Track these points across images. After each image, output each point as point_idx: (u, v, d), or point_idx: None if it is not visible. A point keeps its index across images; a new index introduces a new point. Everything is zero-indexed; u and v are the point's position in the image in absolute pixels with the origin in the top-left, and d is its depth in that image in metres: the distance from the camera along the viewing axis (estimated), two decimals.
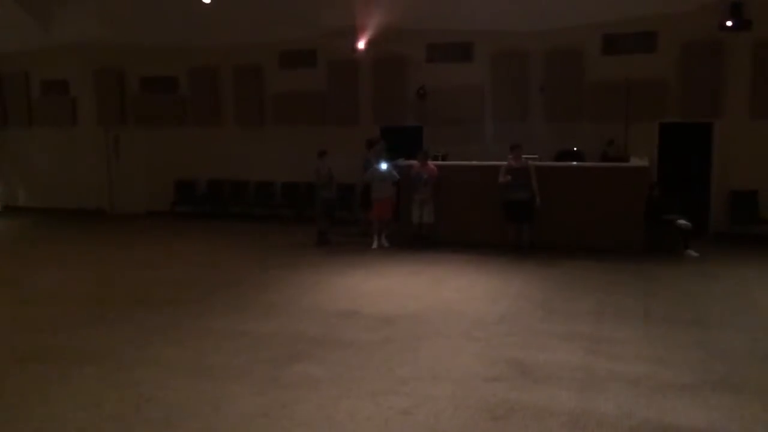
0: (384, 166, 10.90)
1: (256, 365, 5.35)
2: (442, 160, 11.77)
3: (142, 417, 4.40)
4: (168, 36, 14.74)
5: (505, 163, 10.28)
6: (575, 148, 12.02)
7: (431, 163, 10.98)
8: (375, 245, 10.87)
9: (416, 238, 10.91)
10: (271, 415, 4.39)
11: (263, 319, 6.75)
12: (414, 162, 11.03)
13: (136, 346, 5.86)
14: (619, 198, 10.27)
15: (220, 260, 10.10)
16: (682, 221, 10.10)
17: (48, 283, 8.60)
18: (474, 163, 11.25)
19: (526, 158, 10.34)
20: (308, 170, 11.75)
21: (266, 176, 14.71)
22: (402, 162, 11.32)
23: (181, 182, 15.50)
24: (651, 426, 4.19)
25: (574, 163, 11.33)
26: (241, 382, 4.97)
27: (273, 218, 14.22)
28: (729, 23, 11.42)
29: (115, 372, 5.22)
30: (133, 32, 14.93)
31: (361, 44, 13.73)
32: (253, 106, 15.02)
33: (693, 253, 9.95)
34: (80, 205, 16.19)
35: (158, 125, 15.62)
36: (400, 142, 12.76)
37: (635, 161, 10.75)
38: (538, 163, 10.53)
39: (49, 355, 5.67)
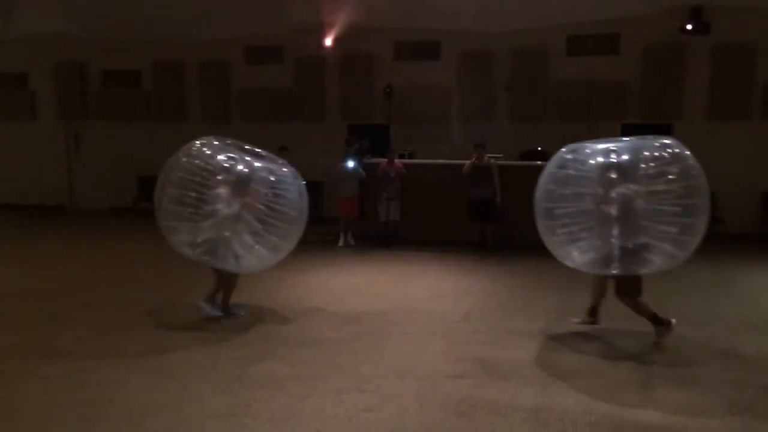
0: (351, 164, 10.90)
1: (220, 364, 5.31)
2: (409, 158, 11.82)
3: (103, 417, 4.33)
4: (132, 29, 14.51)
5: (468, 162, 10.37)
6: (539, 148, 12.17)
7: (398, 161, 11.02)
8: (341, 243, 10.87)
9: (382, 236, 10.93)
10: (235, 414, 4.36)
11: (227, 317, 6.69)
12: (381, 160, 11.06)
13: (97, 346, 5.76)
14: None
15: (183, 258, 9.96)
16: None
17: (6, 280, 8.40)
18: (440, 161, 11.32)
19: (490, 157, 10.44)
20: None
21: None
22: (369, 160, 11.33)
23: (144, 178, 15.25)
24: (610, 421, 4.28)
25: (539, 162, 11.45)
26: (205, 381, 4.92)
27: None
28: (689, 26, 11.71)
29: (75, 372, 5.12)
30: (96, 25, 14.66)
31: (328, 41, 13.70)
32: (218, 101, 14.88)
33: None
34: (40, 202, 15.84)
35: (121, 120, 15.37)
36: (368, 139, 12.75)
37: None
38: (502, 162, 10.64)
39: (8, 354, 5.54)
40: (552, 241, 5.91)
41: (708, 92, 12.17)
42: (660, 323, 5.84)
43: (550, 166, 5.98)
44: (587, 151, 5.85)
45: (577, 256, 5.82)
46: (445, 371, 5.18)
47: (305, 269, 8.98)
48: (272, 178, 6.46)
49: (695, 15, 11.72)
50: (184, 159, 6.40)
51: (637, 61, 12.42)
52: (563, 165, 5.89)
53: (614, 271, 5.65)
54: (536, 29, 12.69)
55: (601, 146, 5.78)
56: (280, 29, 13.86)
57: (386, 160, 10.93)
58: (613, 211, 5.46)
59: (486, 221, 10.38)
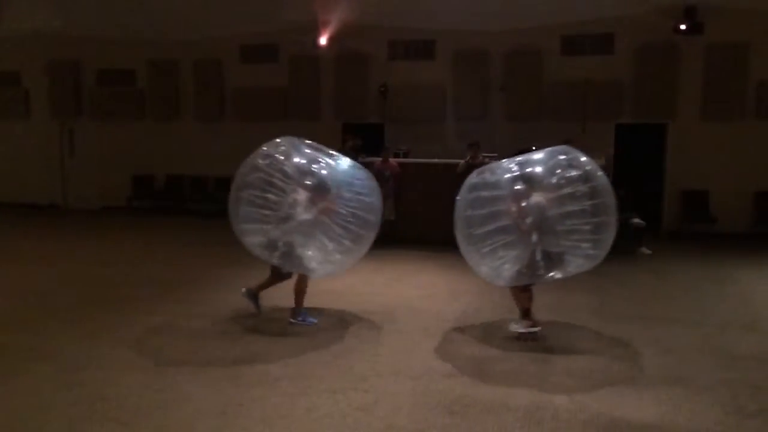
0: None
1: (212, 363, 5.30)
2: (404, 157, 11.82)
3: (95, 417, 4.32)
4: (126, 27, 14.47)
5: (462, 161, 10.38)
6: (534, 147, 12.15)
7: (393, 161, 11.01)
8: None
9: (377, 235, 10.90)
10: (227, 414, 4.35)
11: (221, 316, 6.68)
12: (376, 159, 11.05)
13: (89, 344, 5.74)
14: None
15: (177, 257, 9.97)
16: (635, 220, 10.33)
17: None
18: (435, 160, 11.32)
19: (484, 156, 10.45)
20: None
21: (226, 172, 14.44)
22: (364, 159, 11.31)
23: (138, 177, 15.23)
24: (603, 419, 4.29)
25: None
26: (197, 381, 4.91)
27: None
28: (683, 26, 11.74)
29: (67, 371, 5.10)
30: (90, 23, 14.62)
31: (323, 40, 13.69)
32: (213, 100, 14.85)
33: (646, 251, 10.20)
34: (32, 200, 15.78)
35: (115, 119, 15.33)
36: (362, 139, 12.75)
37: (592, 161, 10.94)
38: (497, 161, 10.63)
39: None
40: (479, 263, 5.97)
41: (702, 92, 12.21)
42: (528, 318, 5.97)
43: (463, 192, 6.02)
44: (498, 171, 5.95)
45: (506, 271, 5.88)
46: (440, 370, 5.18)
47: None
48: (356, 181, 6.31)
49: (689, 15, 11.75)
50: (261, 161, 6.19)
51: (631, 60, 12.45)
52: (474, 188, 5.96)
53: (543, 278, 5.75)
54: (531, 29, 12.71)
55: (506, 164, 5.94)
56: (275, 28, 13.85)
57: (381, 159, 10.92)
58: (528, 221, 5.58)
59: None
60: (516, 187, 5.67)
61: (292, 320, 6.40)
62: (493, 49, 13.08)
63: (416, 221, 10.92)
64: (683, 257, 10.11)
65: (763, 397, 4.68)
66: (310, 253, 6.12)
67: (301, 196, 6.04)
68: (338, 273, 6.67)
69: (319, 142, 12.43)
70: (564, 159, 5.70)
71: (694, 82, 12.20)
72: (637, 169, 12.30)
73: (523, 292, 6.00)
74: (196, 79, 14.94)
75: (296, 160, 6.20)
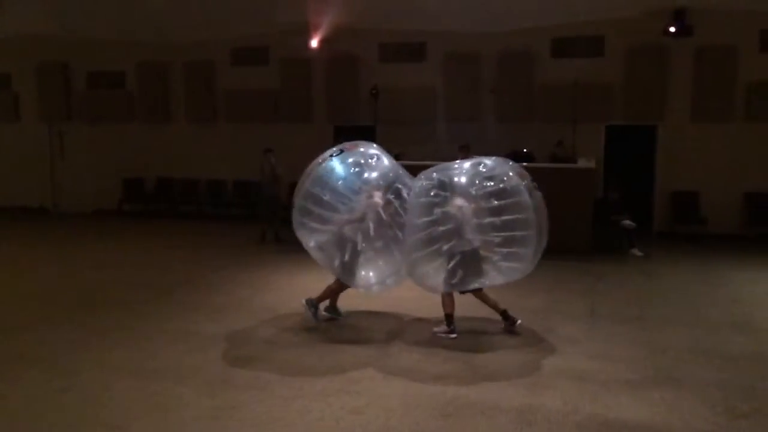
0: None
1: (205, 367, 5.28)
2: (397, 159, 11.80)
3: (88, 422, 4.29)
4: (116, 30, 14.42)
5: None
6: (525, 149, 12.21)
7: None
8: None
9: None
10: (220, 417, 4.34)
11: (213, 320, 6.66)
12: None
13: (82, 349, 5.71)
14: (567, 198, 10.46)
15: (168, 260, 9.92)
16: (627, 221, 10.38)
17: None
18: (426, 163, 11.30)
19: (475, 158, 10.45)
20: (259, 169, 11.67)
21: (218, 174, 14.52)
22: None
23: (129, 180, 15.16)
24: (596, 421, 4.30)
25: (524, 163, 11.49)
26: (191, 384, 4.89)
27: (225, 217, 14.04)
28: (672, 29, 11.81)
29: (61, 375, 5.07)
30: (80, 25, 14.55)
31: (314, 42, 13.68)
32: (204, 102, 14.81)
33: (638, 253, 10.24)
34: (22, 204, 15.68)
35: (105, 121, 15.28)
36: (353, 140, 12.73)
37: (583, 162, 11.00)
38: None
39: None
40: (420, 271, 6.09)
41: (691, 94, 12.28)
42: (450, 323, 6.10)
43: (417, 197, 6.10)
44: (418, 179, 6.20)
45: (430, 278, 6.08)
46: (432, 372, 5.18)
47: (292, 271, 8.95)
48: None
49: (678, 17, 11.82)
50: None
51: (621, 63, 12.50)
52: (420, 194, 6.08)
53: (463, 286, 5.98)
54: (521, 31, 12.75)
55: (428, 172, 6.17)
56: (266, 30, 13.83)
57: None
58: (446, 227, 5.79)
59: None
60: (431, 194, 5.89)
61: (305, 303, 6.48)
62: (483, 51, 13.11)
63: None
64: (674, 258, 10.15)
65: (755, 398, 4.71)
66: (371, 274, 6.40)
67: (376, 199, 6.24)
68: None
69: (311, 144, 12.48)
70: (485, 170, 5.91)
71: (683, 84, 12.27)
72: (627, 171, 12.36)
73: (447, 296, 6.13)
74: (187, 81, 14.90)
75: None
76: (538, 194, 5.89)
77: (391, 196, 6.30)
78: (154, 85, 15.07)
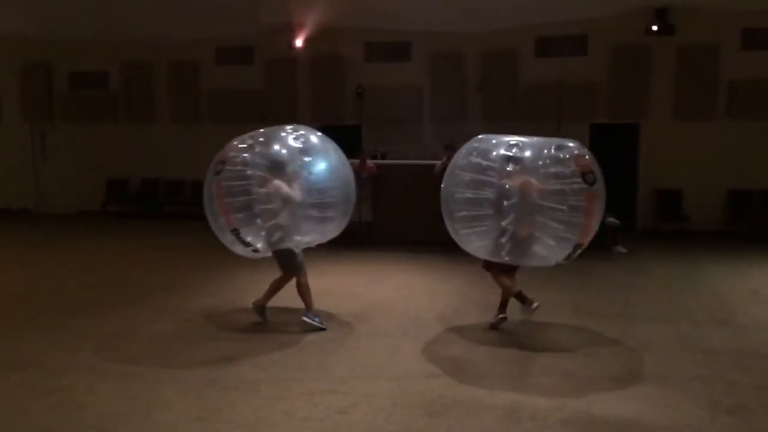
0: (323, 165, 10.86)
1: (190, 368, 5.26)
2: (382, 158, 11.83)
3: (73, 425, 4.26)
4: (99, 29, 14.30)
5: (439, 162, 10.42)
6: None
7: (370, 162, 11.01)
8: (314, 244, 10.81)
9: (355, 236, 10.91)
10: (206, 419, 4.32)
11: (199, 321, 6.63)
12: (353, 161, 11.03)
13: (66, 352, 5.66)
14: None
15: (153, 261, 9.86)
16: (611, 219, 10.45)
17: None
18: (412, 162, 11.35)
19: None
20: None
21: (203, 175, 14.36)
22: None
23: (113, 181, 15.05)
24: (581, 417, 4.33)
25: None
26: (176, 386, 4.87)
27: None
28: (654, 28, 11.91)
29: (43, 379, 5.02)
30: (62, 25, 14.41)
31: (299, 42, 13.65)
32: (188, 102, 14.73)
33: (621, 250, 10.32)
34: (5, 206, 15.52)
35: (88, 122, 15.14)
36: (339, 141, 12.72)
37: None
38: None
39: None
40: (455, 228, 6.04)
41: (674, 92, 12.39)
42: (523, 301, 6.08)
43: (461, 157, 6.04)
44: (493, 141, 5.97)
45: (475, 242, 5.97)
46: (419, 371, 5.19)
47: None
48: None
49: (660, 16, 11.92)
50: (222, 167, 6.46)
51: (605, 61, 12.59)
52: (470, 152, 5.99)
53: (505, 258, 5.82)
54: (506, 30, 12.80)
55: (506, 139, 5.93)
56: (250, 30, 13.77)
57: (358, 160, 10.91)
58: (509, 200, 5.61)
59: None
60: (508, 168, 5.65)
61: (305, 318, 6.31)
62: (468, 50, 13.15)
63: (394, 222, 10.95)
64: (658, 255, 10.25)
65: (738, 392, 4.76)
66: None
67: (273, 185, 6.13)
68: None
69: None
70: (564, 154, 5.72)
71: (666, 82, 12.38)
72: (611, 169, 12.42)
73: (504, 278, 6.03)
74: (171, 81, 14.81)
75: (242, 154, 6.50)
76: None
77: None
78: (138, 85, 14.96)
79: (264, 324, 6.43)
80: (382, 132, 13.29)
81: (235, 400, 4.60)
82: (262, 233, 6.24)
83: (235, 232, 6.23)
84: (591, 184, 5.54)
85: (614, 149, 12.60)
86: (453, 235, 6.15)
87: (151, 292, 7.82)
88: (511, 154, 5.68)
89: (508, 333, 6.19)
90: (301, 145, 6.47)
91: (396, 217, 10.92)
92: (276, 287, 6.47)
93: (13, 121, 15.60)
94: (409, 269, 9.15)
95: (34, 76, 15.35)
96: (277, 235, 6.19)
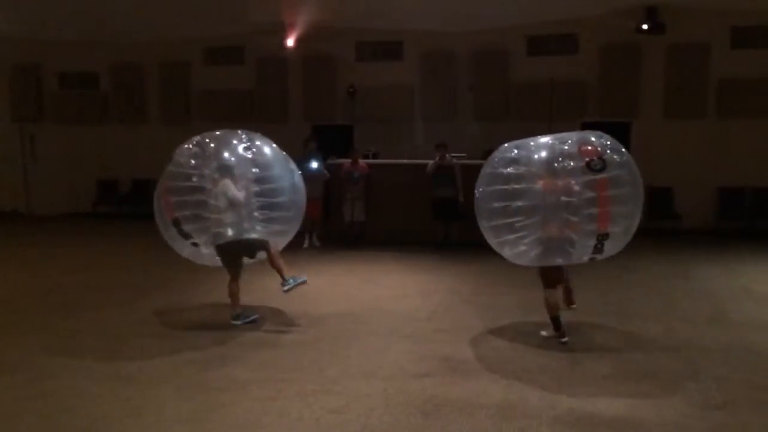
0: (315, 165, 10.85)
1: (181, 369, 5.23)
2: (373, 158, 11.83)
3: (61, 427, 4.23)
4: (88, 30, 14.21)
5: (431, 161, 10.43)
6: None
7: (362, 162, 11.00)
8: (306, 245, 10.81)
9: (347, 236, 10.91)
10: (197, 420, 4.29)
11: (190, 321, 6.60)
12: (345, 161, 11.03)
13: (55, 354, 5.62)
14: None
15: (144, 262, 9.80)
16: None
17: None
18: (404, 161, 11.35)
19: (452, 157, 10.51)
20: None
21: None
22: (333, 161, 11.30)
23: (103, 182, 14.97)
24: (573, 415, 4.33)
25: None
26: (166, 387, 4.84)
27: None
28: (645, 26, 11.95)
29: (32, 382, 4.98)
30: (51, 26, 14.31)
31: (290, 41, 13.62)
32: (178, 103, 14.67)
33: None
34: None
35: (78, 123, 15.06)
36: (331, 140, 12.74)
37: None
38: (465, 161, 10.70)
39: None
40: (489, 237, 6.02)
41: (664, 91, 12.44)
42: (558, 326, 5.88)
43: (492, 167, 5.99)
44: (531, 144, 5.91)
45: (510, 250, 5.92)
46: (411, 370, 5.18)
47: (269, 271, 8.88)
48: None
49: (650, 15, 11.97)
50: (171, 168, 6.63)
51: (595, 60, 12.63)
52: (497, 161, 5.97)
53: (539, 262, 5.79)
54: (497, 29, 12.82)
55: (544, 140, 5.87)
56: (241, 29, 13.73)
57: (350, 160, 10.91)
58: (534, 203, 5.55)
59: (450, 220, 10.44)
60: (591, 176, 5.47)
61: (234, 323, 6.36)
62: (460, 49, 13.16)
63: (386, 222, 10.93)
64: (649, 253, 10.26)
65: (728, 389, 4.78)
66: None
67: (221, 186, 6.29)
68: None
69: (287, 144, 12.43)
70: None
71: (656, 81, 12.43)
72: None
73: (550, 297, 5.90)
74: (161, 81, 14.75)
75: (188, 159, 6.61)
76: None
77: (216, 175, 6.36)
78: (128, 86, 14.90)
79: (253, 324, 6.40)
80: (374, 131, 13.28)
81: (226, 402, 4.57)
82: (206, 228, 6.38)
83: (176, 223, 6.39)
84: (598, 170, 5.44)
85: None
86: (491, 245, 6.11)
87: (143, 293, 7.78)
88: (594, 159, 5.51)
89: (501, 333, 6.18)
90: (249, 151, 6.71)
91: (388, 217, 10.91)
92: (233, 291, 6.51)
93: (2, 122, 15.50)
94: (401, 269, 9.14)
95: (23, 77, 15.26)
96: (217, 231, 6.31)
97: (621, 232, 5.67)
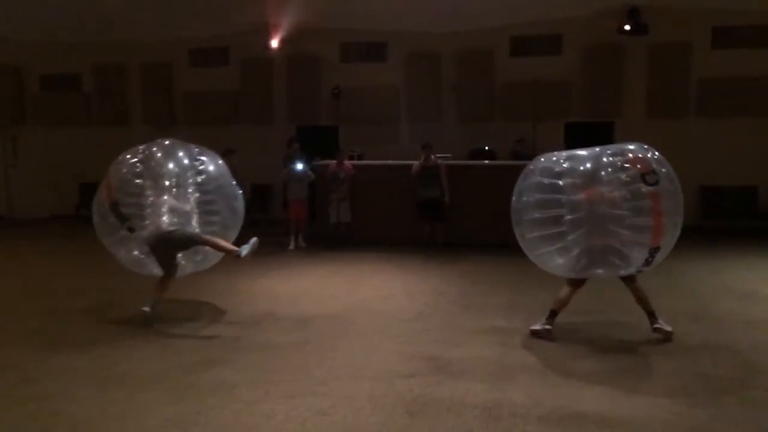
0: (300, 166, 10.84)
1: (168, 372, 5.20)
2: (358, 159, 11.83)
3: (50, 430, 4.19)
4: (70, 31, 14.09)
5: (416, 162, 10.45)
6: (487, 147, 12.37)
7: (347, 163, 11.00)
8: (292, 246, 10.80)
9: (333, 237, 10.90)
10: (185, 423, 4.28)
11: (176, 324, 6.56)
12: (330, 161, 11.03)
13: (40, 358, 5.57)
14: None
15: (124, 266, 9.72)
16: None
17: None
18: (389, 162, 11.36)
19: (438, 157, 10.54)
20: None
21: None
22: (318, 162, 11.30)
23: (86, 185, 14.82)
24: (558, 414, 4.36)
25: (486, 161, 11.64)
26: (153, 391, 4.81)
27: None
28: (627, 27, 12.06)
29: (17, 385, 4.94)
30: (33, 27, 14.18)
31: (274, 42, 13.59)
32: (162, 105, 14.59)
33: None
34: None
35: (60, 125, 14.92)
36: (316, 141, 12.75)
37: None
38: (450, 162, 10.74)
39: None
40: (528, 248, 6.01)
41: (647, 91, 12.56)
42: (552, 319, 5.96)
43: (536, 175, 5.93)
44: (553, 159, 5.93)
45: (550, 261, 5.92)
46: (398, 371, 5.19)
47: (256, 273, 8.88)
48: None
49: (632, 16, 12.08)
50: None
51: (579, 61, 12.72)
52: (534, 172, 5.94)
53: (583, 273, 5.80)
54: (481, 30, 12.87)
55: (590, 151, 5.84)
56: (225, 30, 13.68)
57: (335, 161, 10.91)
58: (577, 214, 5.56)
59: (435, 221, 10.47)
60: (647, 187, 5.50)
61: (145, 309, 6.42)
62: (444, 50, 13.20)
63: (372, 223, 10.94)
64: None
65: (711, 386, 4.84)
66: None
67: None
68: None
69: (272, 145, 12.40)
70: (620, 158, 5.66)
71: (639, 81, 12.54)
72: None
73: (564, 294, 5.93)
74: (145, 82, 14.65)
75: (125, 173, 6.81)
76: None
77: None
78: (111, 88, 14.79)
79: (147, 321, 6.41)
80: (359, 132, 13.29)
81: (213, 404, 4.56)
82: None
83: (114, 206, 6.60)
84: (653, 184, 5.47)
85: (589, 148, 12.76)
86: (529, 257, 6.10)
87: (126, 297, 7.71)
88: (650, 172, 5.55)
89: (487, 332, 6.21)
90: (191, 161, 6.88)
91: (374, 217, 10.92)
92: (162, 285, 6.62)
93: None
94: (387, 270, 9.15)
95: (4, 79, 15.09)
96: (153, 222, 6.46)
97: (668, 244, 5.72)
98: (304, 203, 10.98)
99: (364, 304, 7.27)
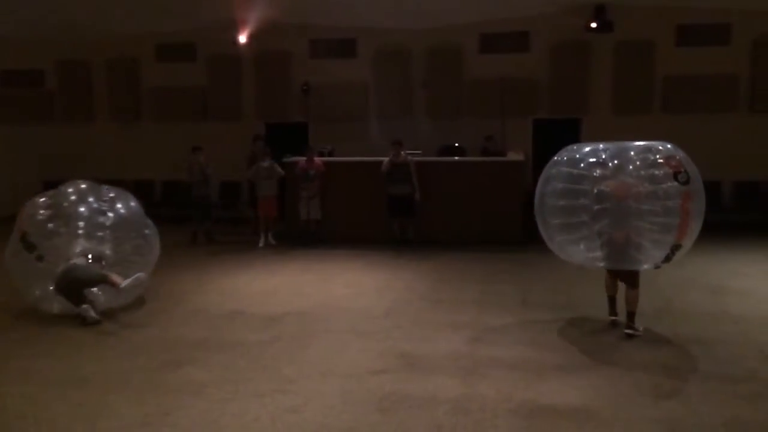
0: (266, 164, 10.77)
1: (135, 373, 5.13)
2: (329, 156, 11.79)
3: None
4: (31, 26, 13.75)
5: (386, 159, 10.45)
6: (456, 144, 12.43)
7: (317, 159, 10.95)
8: (262, 243, 10.72)
9: (304, 235, 10.85)
10: (152, 424, 4.22)
11: (144, 324, 6.47)
12: (300, 159, 10.97)
13: (5, 359, 5.45)
14: (498, 190, 10.69)
15: None
16: None
17: None
18: (359, 159, 11.34)
19: (407, 154, 10.55)
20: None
21: (145, 175, 14.08)
22: (288, 158, 11.23)
23: (50, 182, 14.50)
24: (528, 407, 4.41)
25: (456, 158, 11.69)
26: (120, 391, 4.74)
27: (153, 218, 13.57)
28: (593, 24, 12.21)
29: None
30: None
31: (242, 38, 13.45)
32: (128, 101, 14.33)
33: None
34: None
35: (23, 122, 14.56)
36: (286, 138, 12.66)
37: (512, 156, 11.24)
38: (420, 158, 10.76)
39: None
40: (550, 236, 6.10)
41: (613, 88, 12.73)
42: (632, 321, 5.98)
43: (563, 166, 5.99)
44: (585, 149, 6.01)
45: (570, 250, 6.04)
46: (368, 367, 5.19)
47: (225, 271, 8.81)
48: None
49: (599, 14, 12.23)
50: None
51: (546, 58, 12.83)
52: (562, 162, 6.02)
53: (601, 264, 5.90)
54: (450, 27, 12.90)
55: (620, 145, 5.88)
56: (192, 26, 13.49)
57: (305, 158, 10.85)
58: (603, 205, 5.62)
59: (405, 217, 10.49)
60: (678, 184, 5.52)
61: (84, 306, 6.48)
62: (413, 46, 13.21)
63: (342, 220, 10.91)
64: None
65: (678, 378, 4.94)
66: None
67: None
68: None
69: (240, 142, 12.28)
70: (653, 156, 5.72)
71: (605, 78, 12.71)
72: None
73: (632, 294, 5.95)
74: (110, 78, 14.39)
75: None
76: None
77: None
78: (75, 84, 14.48)
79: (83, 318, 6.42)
80: (329, 129, 13.23)
81: (182, 404, 4.50)
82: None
83: (24, 237, 6.91)
84: (684, 183, 5.53)
85: (556, 144, 12.88)
86: (548, 243, 6.19)
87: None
88: (682, 171, 5.57)
89: (457, 328, 6.24)
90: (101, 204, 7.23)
91: (343, 214, 10.89)
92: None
93: None
94: (357, 267, 9.13)
95: None
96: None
97: (689, 242, 5.76)
98: (274, 201, 10.91)
99: (334, 302, 7.25)
